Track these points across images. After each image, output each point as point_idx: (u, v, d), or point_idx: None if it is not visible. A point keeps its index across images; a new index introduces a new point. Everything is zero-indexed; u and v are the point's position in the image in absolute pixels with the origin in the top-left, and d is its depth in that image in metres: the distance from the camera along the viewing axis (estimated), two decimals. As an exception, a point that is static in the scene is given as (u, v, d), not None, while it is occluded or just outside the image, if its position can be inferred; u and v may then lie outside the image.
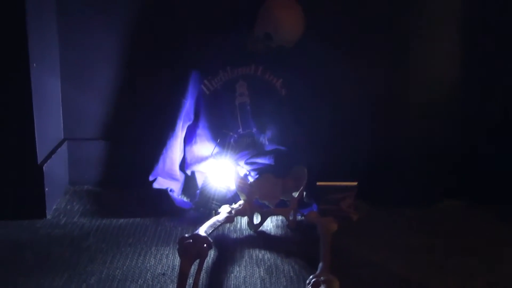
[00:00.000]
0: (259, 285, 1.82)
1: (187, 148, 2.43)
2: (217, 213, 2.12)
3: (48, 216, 2.22)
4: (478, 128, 2.51)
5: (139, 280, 1.82)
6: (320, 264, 1.78)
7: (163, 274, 1.86)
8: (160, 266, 1.91)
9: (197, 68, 2.38)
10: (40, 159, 2.21)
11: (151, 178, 2.34)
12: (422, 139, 2.49)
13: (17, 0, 2.03)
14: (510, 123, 2.49)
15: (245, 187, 2.19)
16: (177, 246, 1.73)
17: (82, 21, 2.40)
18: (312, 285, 1.66)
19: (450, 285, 1.84)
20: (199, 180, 2.43)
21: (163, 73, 2.46)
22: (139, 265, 1.91)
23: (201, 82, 2.38)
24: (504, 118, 2.50)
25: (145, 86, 2.48)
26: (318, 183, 2.17)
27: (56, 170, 2.35)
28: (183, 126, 2.38)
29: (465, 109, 2.49)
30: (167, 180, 2.38)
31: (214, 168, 2.34)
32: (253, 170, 2.33)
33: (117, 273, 1.85)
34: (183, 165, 2.44)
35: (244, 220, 2.24)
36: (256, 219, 2.20)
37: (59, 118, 2.48)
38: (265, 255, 2.00)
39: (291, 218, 2.19)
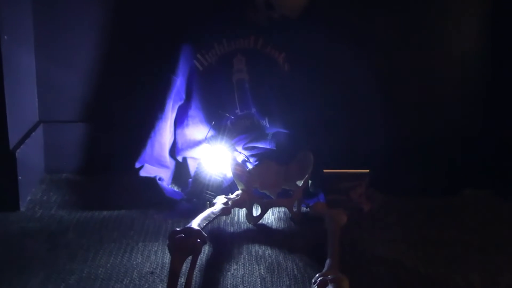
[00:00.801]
0: (259, 285, 1.82)
1: (178, 131, 2.43)
2: (212, 205, 2.11)
3: (22, 208, 2.22)
4: (502, 113, 2.52)
5: (125, 280, 1.82)
6: (328, 261, 1.78)
7: (152, 272, 1.86)
8: (148, 263, 1.91)
9: (189, 40, 2.38)
10: (12, 144, 2.20)
11: (137, 165, 2.34)
12: (442, 123, 2.52)
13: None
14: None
15: (243, 175, 2.19)
16: (167, 241, 1.72)
17: (59, -11, 2.40)
18: (318, 285, 1.66)
19: (475, 282, 1.84)
20: (192, 167, 2.43)
21: (150, 46, 2.45)
22: (124, 262, 1.91)
23: (193, 57, 2.38)
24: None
25: (131, 62, 2.47)
26: (325, 170, 2.17)
27: (31, 156, 2.34)
28: (173, 107, 2.37)
29: (490, 92, 2.51)
30: (155, 167, 2.38)
31: (208, 154, 2.34)
32: (252, 155, 2.34)
33: (99, 271, 1.85)
34: (174, 151, 2.45)
35: (242, 212, 2.24)
36: (256, 211, 2.20)
37: (34, 98, 2.47)
38: (265, 251, 2.00)
39: (295, 209, 2.20)
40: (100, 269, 1.86)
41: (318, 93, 2.38)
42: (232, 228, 2.17)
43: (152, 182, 2.31)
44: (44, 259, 1.90)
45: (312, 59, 2.37)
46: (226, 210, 2.09)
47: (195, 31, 2.39)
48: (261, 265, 1.92)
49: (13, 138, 2.20)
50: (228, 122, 2.38)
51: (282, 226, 2.19)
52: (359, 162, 2.26)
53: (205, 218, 1.92)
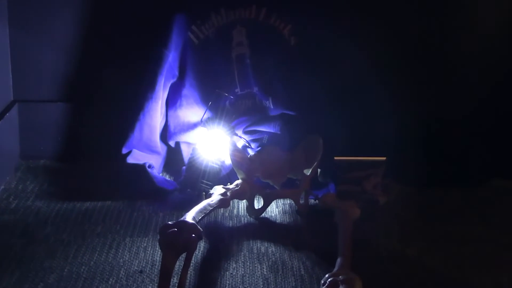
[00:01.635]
0: (261, 286, 1.82)
1: (170, 113, 2.43)
2: (208, 196, 2.11)
3: (-5, 199, 2.23)
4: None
5: (110, 279, 1.82)
6: (339, 260, 1.78)
7: (141, 271, 1.86)
8: (137, 261, 1.91)
9: (182, 10, 2.37)
10: (-17, 126, 2.20)
11: (124, 151, 2.34)
12: (467, 107, 2.51)
13: None
14: None
15: (243, 163, 2.19)
16: (158, 237, 1.72)
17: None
18: (328, 286, 1.66)
19: (505, 285, 1.84)
20: (186, 154, 2.44)
21: (139, 17, 2.44)
22: (110, 260, 1.91)
23: (187, 29, 2.37)
24: None
25: (116, 35, 2.47)
26: (336, 158, 2.16)
27: (4, 140, 2.35)
28: (164, 85, 2.37)
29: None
30: (144, 153, 2.38)
31: (204, 138, 2.33)
32: (254, 140, 2.34)
33: (82, 270, 1.85)
34: (165, 135, 2.45)
35: (243, 204, 2.25)
36: (258, 203, 2.21)
37: (7, 75, 2.47)
38: (268, 249, 2.00)
39: (302, 201, 2.20)
40: (83, 267, 1.86)
41: (329, 70, 2.37)
42: (231, 222, 2.17)
43: (141, 170, 2.30)
44: (20, 256, 1.90)
45: (322, 31, 2.36)
46: (224, 202, 2.08)
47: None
48: (264, 264, 1.92)
49: (-16, 120, 2.21)
50: (227, 103, 2.38)
51: (287, 220, 2.20)
52: (374, 148, 2.25)
53: (200, 211, 1.92)
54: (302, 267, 1.91)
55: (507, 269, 1.91)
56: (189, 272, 1.75)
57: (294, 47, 2.38)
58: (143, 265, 1.89)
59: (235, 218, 2.19)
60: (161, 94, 2.36)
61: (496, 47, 2.50)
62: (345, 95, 2.39)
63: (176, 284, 1.68)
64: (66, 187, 2.33)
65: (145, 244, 1.99)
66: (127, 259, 1.92)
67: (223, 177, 2.32)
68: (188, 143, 2.44)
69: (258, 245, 2.02)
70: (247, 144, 2.34)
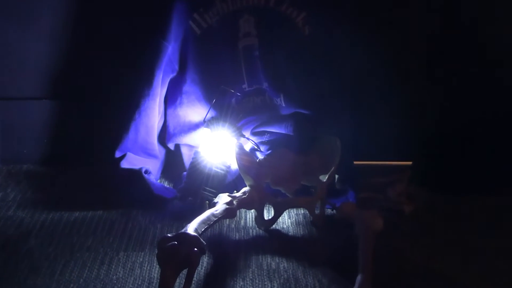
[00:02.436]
0: (272, 306, 1.83)
1: (170, 112, 2.44)
2: (212, 205, 2.11)
3: (-28, 208, 2.24)
4: None
5: (102, 299, 1.83)
6: (359, 277, 1.79)
7: (136, 290, 1.87)
8: (132, 278, 1.91)
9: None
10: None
11: (118, 155, 2.35)
12: (503, 108, 2.51)
13: None
14: None
15: (251, 167, 2.19)
16: (156, 251, 1.73)
17: None
18: (348, 307, 1.66)
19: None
20: (187, 157, 2.44)
21: (134, 4, 2.45)
22: (101, 277, 1.91)
23: (189, 17, 2.36)
24: None
25: (109, 24, 2.47)
26: (355, 162, 2.16)
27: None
28: (163, 80, 2.37)
29: None
30: (140, 157, 2.39)
31: (207, 141, 2.33)
32: (264, 143, 2.35)
33: (70, 288, 1.86)
34: (164, 136, 2.46)
35: (251, 214, 2.25)
36: (268, 213, 2.21)
37: (-15, 69, 2.49)
38: (280, 264, 2.00)
39: (317, 211, 2.20)
40: (71, 285, 1.87)
41: (347, 63, 2.37)
42: (237, 234, 2.17)
43: (136, 175, 2.31)
44: (0, 272, 1.90)
45: (339, 20, 2.36)
46: (230, 211, 2.08)
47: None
48: (275, 281, 1.92)
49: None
50: (233, 100, 2.38)
51: (301, 233, 2.20)
52: (399, 151, 2.23)
53: (203, 222, 1.92)
54: (318, 285, 1.91)
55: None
56: (191, 290, 1.75)
57: (309, 37, 2.37)
58: (139, 283, 1.89)
59: (242, 230, 2.19)
60: (159, 90, 2.36)
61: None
62: (366, 92, 2.39)
63: (176, 304, 1.69)
64: (52, 195, 2.34)
65: (141, 259, 1.99)
66: (121, 276, 1.92)
67: (229, 183, 2.33)
68: (190, 146, 2.44)
69: (268, 261, 2.02)
70: (255, 147, 2.34)
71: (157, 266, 1.74)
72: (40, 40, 2.47)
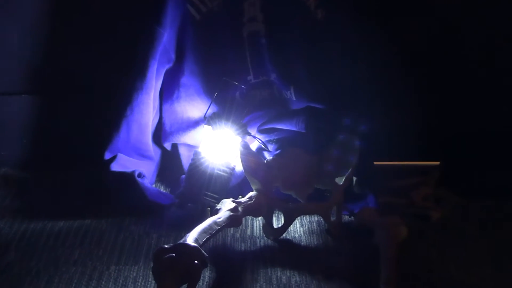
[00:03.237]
0: (283, 326, 1.83)
1: (166, 107, 2.45)
2: (214, 212, 2.11)
3: None
4: None
5: (91, 319, 1.84)
6: (382, 291, 1.79)
7: (129, 308, 1.87)
8: (124, 295, 1.92)
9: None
10: None
11: (107, 156, 2.35)
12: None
13: None
14: None
15: (259, 169, 2.19)
16: (152, 264, 1.73)
17: None
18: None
19: None
20: (185, 159, 2.45)
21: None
22: (90, 294, 1.91)
23: (187, 0, 2.36)
24: None
25: (97, 8, 2.47)
26: (376, 163, 2.16)
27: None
28: (158, 72, 2.37)
29: None
30: (133, 158, 2.40)
31: (208, 140, 2.32)
32: (272, 141, 2.35)
33: (55, 307, 1.86)
34: (159, 135, 2.47)
35: (258, 222, 2.25)
36: (277, 221, 2.21)
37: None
38: (291, 278, 2.00)
39: (333, 218, 2.20)
40: (56, 303, 1.87)
41: (365, 52, 2.36)
42: (243, 245, 2.17)
43: (128, 179, 2.31)
44: (-24, 289, 1.91)
45: (356, 2, 2.35)
46: (234, 219, 2.08)
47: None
48: (286, 297, 1.92)
49: None
50: (237, 94, 2.39)
51: (315, 242, 2.20)
52: (424, 150, 2.24)
53: (205, 231, 1.93)
54: (335, 301, 1.91)
55: None
56: (191, 308, 1.75)
57: (322, 22, 2.37)
58: (133, 301, 1.89)
59: (249, 240, 2.19)
60: (154, 83, 2.36)
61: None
62: (387, 84, 2.38)
63: (175, 324, 1.69)
64: (33, 203, 2.34)
65: (134, 274, 1.99)
66: (112, 292, 1.92)
67: (233, 188, 2.33)
68: (188, 146, 2.45)
69: (278, 274, 2.01)
70: (262, 146, 2.34)
71: (153, 281, 1.74)
72: (19, 29, 2.47)
